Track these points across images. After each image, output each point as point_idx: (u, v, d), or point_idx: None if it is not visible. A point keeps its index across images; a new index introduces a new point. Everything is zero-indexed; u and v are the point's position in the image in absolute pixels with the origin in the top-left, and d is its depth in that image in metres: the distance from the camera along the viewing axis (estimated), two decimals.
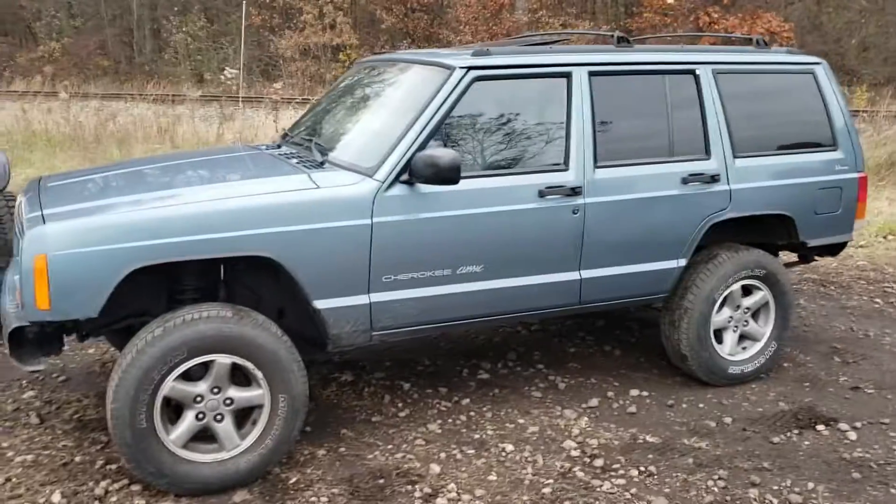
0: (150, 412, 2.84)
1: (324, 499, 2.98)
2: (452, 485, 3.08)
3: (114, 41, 30.05)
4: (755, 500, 3.02)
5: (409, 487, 3.06)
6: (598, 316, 5.03)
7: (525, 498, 3.00)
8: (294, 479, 3.11)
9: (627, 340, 4.67)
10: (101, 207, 2.92)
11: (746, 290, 4.04)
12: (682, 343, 3.92)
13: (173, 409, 3.00)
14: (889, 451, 3.40)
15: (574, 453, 3.34)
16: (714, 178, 3.77)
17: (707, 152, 3.79)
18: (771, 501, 3.01)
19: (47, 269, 2.69)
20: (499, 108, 3.45)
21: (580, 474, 3.18)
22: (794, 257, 4.56)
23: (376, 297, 3.20)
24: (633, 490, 3.07)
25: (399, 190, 3.17)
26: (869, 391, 4.02)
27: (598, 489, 3.07)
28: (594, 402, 3.84)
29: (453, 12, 27.19)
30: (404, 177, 3.17)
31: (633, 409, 3.78)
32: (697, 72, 3.79)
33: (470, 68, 3.34)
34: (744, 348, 4.09)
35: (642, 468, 3.22)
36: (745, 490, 3.08)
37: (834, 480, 3.16)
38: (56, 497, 2.92)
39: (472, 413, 3.71)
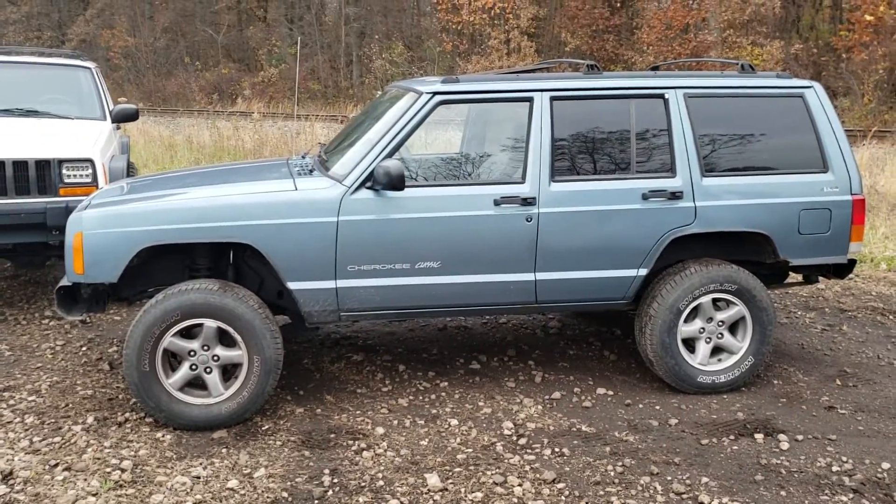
0: (153, 359, 3.68)
1: (279, 443, 3.67)
2: (385, 443, 3.65)
3: (324, 67, 32.99)
4: (642, 485, 3.30)
5: (350, 442, 3.67)
6: (617, 324, 5.31)
7: (439, 460, 3.51)
8: (266, 427, 3.84)
9: (633, 349, 4.92)
10: (126, 200, 3.84)
11: (727, 304, 4.22)
12: (647, 349, 4.19)
13: (178, 361, 3.82)
14: (810, 463, 3.49)
15: (507, 432, 3.78)
16: (676, 195, 4.02)
17: (672, 171, 4.06)
18: (655, 488, 3.28)
19: (82, 244, 3.63)
20: (462, 128, 3.97)
21: (499, 448, 3.62)
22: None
23: (342, 283, 3.85)
24: (536, 465, 3.46)
25: (364, 194, 3.81)
26: (842, 412, 4.04)
27: (506, 461, 3.49)
28: (557, 395, 4.21)
29: (639, 34, 27.15)
30: (369, 183, 3.81)
31: (588, 403, 4.12)
32: (666, 96, 4.08)
33: (435, 93, 3.92)
34: (719, 360, 4.26)
35: (557, 450, 3.60)
36: (638, 477, 3.37)
37: (732, 479, 3.35)
38: (90, 419, 3.85)
39: (443, 394, 4.24)
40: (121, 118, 6.33)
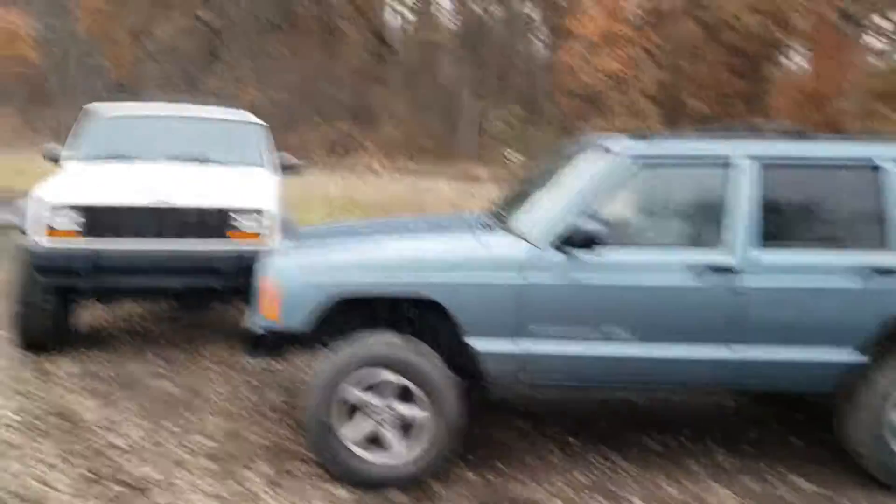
0: (333, 411, 3.59)
1: None
2: None
3: (439, 126, 33.66)
4: None
5: None
6: (798, 408, 4.90)
7: None
8: (441, 492, 3.66)
9: (818, 434, 4.51)
10: (322, 252, 3.85)
11: None
12: (854, 440, 3.80)
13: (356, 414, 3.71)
14: None
15: None
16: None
17: (889, 246, 3.72)
18: None
19: (279, 292, 3.62)
20: (658, 191, 3.80)
21: None
22: None
23: (524, 345, 3.67)
24: None
25: (554, 255, 3.66)
26: None
27: None
28: (749, 483, 3.87)
29: (769, 99, 26.44)
30: (559, 244, 3.66)
31: (789, 497, 3.75)
32: (886, 166, 3.77)
33: (637, 156, 3.75)
34: None
35: None
36: None
37: None
38: (264, 467, 3.80)
39: (620, 471, 3.96)
40: (288, 171, 6.57)
